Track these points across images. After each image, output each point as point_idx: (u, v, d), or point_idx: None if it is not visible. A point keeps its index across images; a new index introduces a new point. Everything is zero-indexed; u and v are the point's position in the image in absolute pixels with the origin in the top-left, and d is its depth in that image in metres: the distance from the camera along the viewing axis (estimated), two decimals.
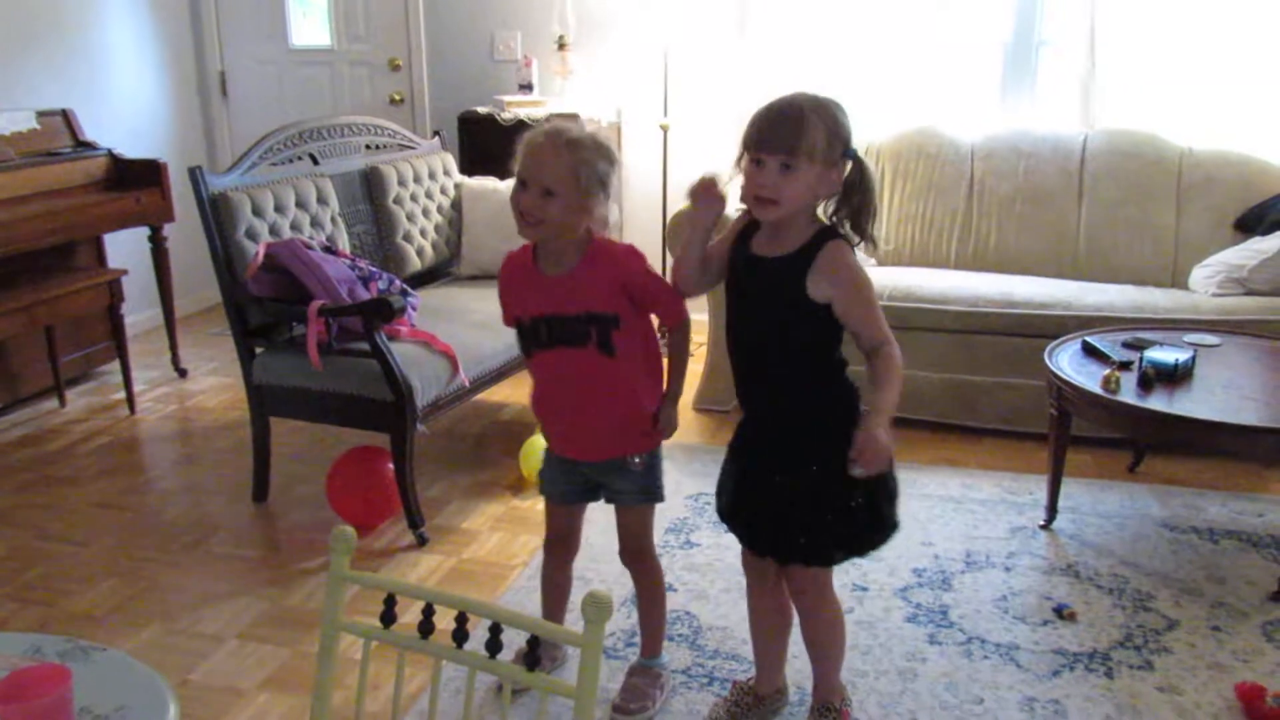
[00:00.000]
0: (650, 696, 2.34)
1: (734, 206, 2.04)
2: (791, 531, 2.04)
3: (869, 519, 2.03)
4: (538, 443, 3.33)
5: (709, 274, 2.09)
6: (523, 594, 2.83)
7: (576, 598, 2.55)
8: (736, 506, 2.14)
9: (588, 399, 2.17)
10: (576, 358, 2.12)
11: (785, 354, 2.00)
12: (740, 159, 1.93)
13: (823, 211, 1.97)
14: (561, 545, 2.41)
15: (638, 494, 2.26)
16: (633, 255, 2.12)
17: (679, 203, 4.13)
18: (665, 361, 2.25)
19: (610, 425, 2.20)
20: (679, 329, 2.21)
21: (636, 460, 2.22)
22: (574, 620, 2.55)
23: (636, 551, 2.34)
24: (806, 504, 2.01)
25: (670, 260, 4.22)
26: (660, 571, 2.40)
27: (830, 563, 2.12)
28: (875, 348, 1.92)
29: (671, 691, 2.41)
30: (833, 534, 2.03)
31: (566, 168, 2.01)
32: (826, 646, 2.22)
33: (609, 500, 2.30)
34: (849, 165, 1.92)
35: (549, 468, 2.35)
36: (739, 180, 1.95)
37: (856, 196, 1.94)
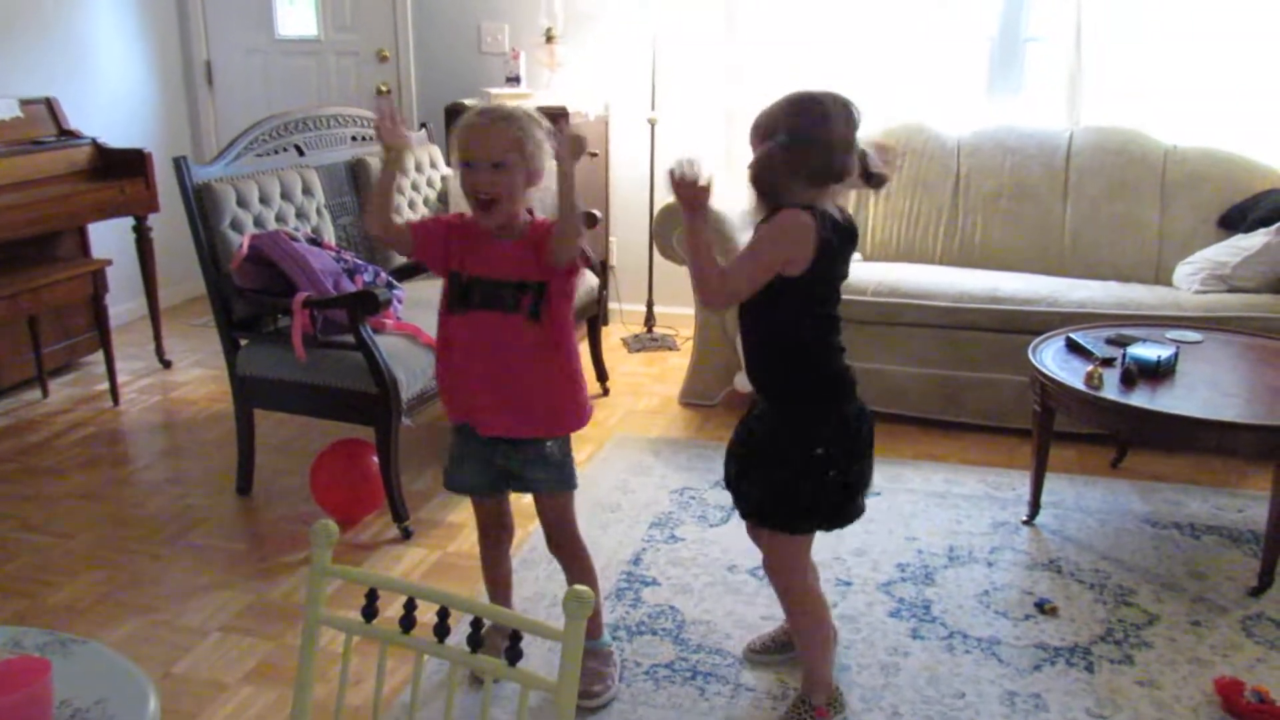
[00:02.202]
0: (608, 676, 2.39)
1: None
2: (766, 493, 2.14)
3: (840, 494, 2.12)
4: None
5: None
6: None
7: (530, 588, 2.57)
8: (733, 474, 2.24)
9: (509, 368, 2.20)
10: (503, 323, 2.16)
11: (757, 326, 2.13)
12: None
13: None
14: (496, 530, 2.43)
15: (555, 482, 2.29)
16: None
17: (666, 197, 4.12)
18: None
19: (531, 399, 2.22)
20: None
21: (552, 445, 2.26)
22: (544, 612, 2.56)
23: (564, 540, 2.37)
24: (781, 466, 2.11)
25: (656, 254, 4.23)
26: (588, 555, 2.41)
27: (795, 529, 2.17)
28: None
29: (623, 674, 2.45)
30: (803, 500, 2.12)
31: (509, 139, 2.09)
32: (804, 633, 2.28)
33: (523, 490, 2.33)
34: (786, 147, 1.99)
35: (459, 462, 2.33)
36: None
37: (800, 160, 1.99)
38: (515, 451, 2.27)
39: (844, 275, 2.12)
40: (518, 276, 2.16)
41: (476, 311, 2.19)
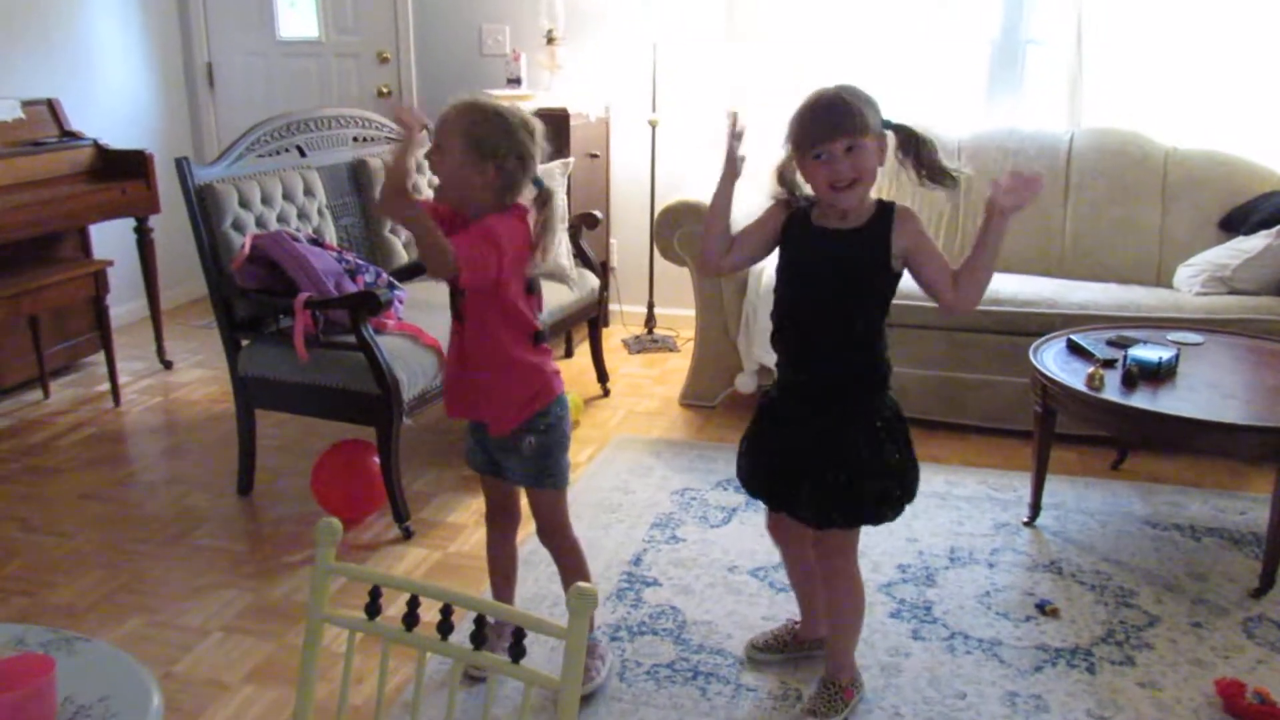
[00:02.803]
0: (593, 668, 2.41)
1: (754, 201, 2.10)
2: (834, 492, 2.13)
3: (899, 485, 2.17)
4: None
5: (740, 253, 2.21)
6: None
7: (529, 585, 2.58)
8: (773, 472, 2.22)
9: (468, 360, 2.23)
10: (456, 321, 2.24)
11: (855, 315, 2.12)
12: (789, 165, 2.09)
13: (901, 179, 2.15)
14: (502, 515, 2.46)
15: (529, 476, 2.31)
16: (483, 221, 2.15)
17: (667, 199, 4.13)
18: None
19: (488, 391, 2.24)
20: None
21: (530, 440, 2.26)
22: (547, 608, 2.57)
23: (550, 531, 2.39)
24: (853, 464, 2.12)
25: (657, 255, 4.23)
26: (579, 549, 2.43)
27: (864, 521, 2.20)
28: (954, 273, 2.10)
29: (611, 669, 2.46)
30: (871, 495, 2.15)
31: (457, 126, 2.12)
32: (846, 615, 2.31)
33: (511, 481, 2.36)
34: (889, 135, 2.06)
35: (469, 437, 2.39)
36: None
37: (913, 150, 2.08)
38: (492, 439, 2.31)
39: None
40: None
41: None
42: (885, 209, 2.09)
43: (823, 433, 2.14)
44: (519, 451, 2.28)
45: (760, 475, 2.26)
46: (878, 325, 2.15)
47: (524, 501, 2.44)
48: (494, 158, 2.12)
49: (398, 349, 3.10)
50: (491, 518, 2.47)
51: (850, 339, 2.13)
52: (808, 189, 2.11)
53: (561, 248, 3.96)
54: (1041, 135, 4.36)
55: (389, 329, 3.19)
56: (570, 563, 2.41)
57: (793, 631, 2.53)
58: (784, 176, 2.13)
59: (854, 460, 2.12)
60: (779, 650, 2.51)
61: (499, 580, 2.52)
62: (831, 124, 1.98)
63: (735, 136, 2.08)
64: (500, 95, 4.75)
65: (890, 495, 2.16)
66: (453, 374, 2.32)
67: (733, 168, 2.11)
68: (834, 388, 2.16)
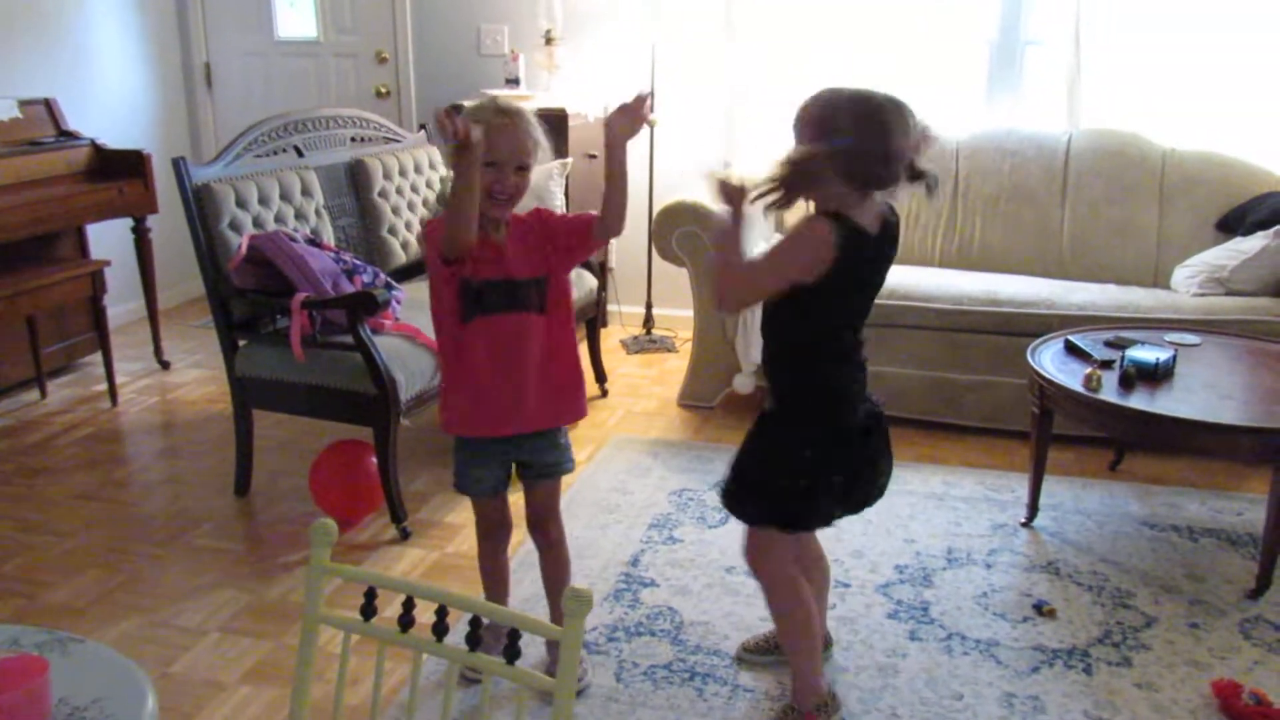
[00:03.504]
0: (581, 664, 2.41)
1: None
2: (736, 485, 2.17)
3: (804, 501, 2.12)
4: None
5: None
6: None
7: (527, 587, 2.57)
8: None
9: (531, 363, 2.23)
10: (523, 321, 2.20)
11: (771, 326, 2.13)
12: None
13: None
14: (500, 530, 2.45)
15: (564, 463, 2.35)
16: (539, 210, 2.27)
17: (665, 199, 4.13)
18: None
19: (551, 389, 2.27)
20: (603, 223, 2.21)
21: (564, 429, 2.33)
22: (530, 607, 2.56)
23: (549, 519, 2.40)
24: (756, 463, 2.15)
25: (655, 256, 4.23)
26: (566, 541, 2.46)
27: (750, 520, 2.19)
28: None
29: (591, 676, 2.47)
30: (764, 497, 2.14)
31: (532, 142, 2.15)
32: (783, 634, 2.30)
33: (534, 476, 2.35)
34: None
35: (473, 464, 2.33)
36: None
37: (848, 167, 1.94)
38: (533, 440, 2.29)
39: (872, 284, 2.09)
40: (528, 273, 2.20)
41: (494, 315, 2.19)
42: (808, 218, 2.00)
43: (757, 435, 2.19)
44: (558, 443, 2.33)
45: None
46: (801, 339, 2.09)
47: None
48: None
49: (395, 349, 3.10)
50: (490, 533, 2.44)
51: (779, 346, 2.13)
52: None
53: None
54: (1040, 136, 4.36)
55: (386, 329, 3.19)
56: (561, 550, 2.44)
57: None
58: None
59: (745, 449, 2.17)
60: (769, 652, 2.51)
61: (497, 590, 2.51)
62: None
63: (737, 196, 1.98)
64: (498, 96, 4.77)
65: (768, 491, 2.13)
66: (516, 381, 2.22)
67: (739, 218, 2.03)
68: (775, 398, 2.16)
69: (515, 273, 2.19)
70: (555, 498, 2.40)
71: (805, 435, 2.09)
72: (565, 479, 2.42)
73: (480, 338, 2.20)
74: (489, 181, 2.11)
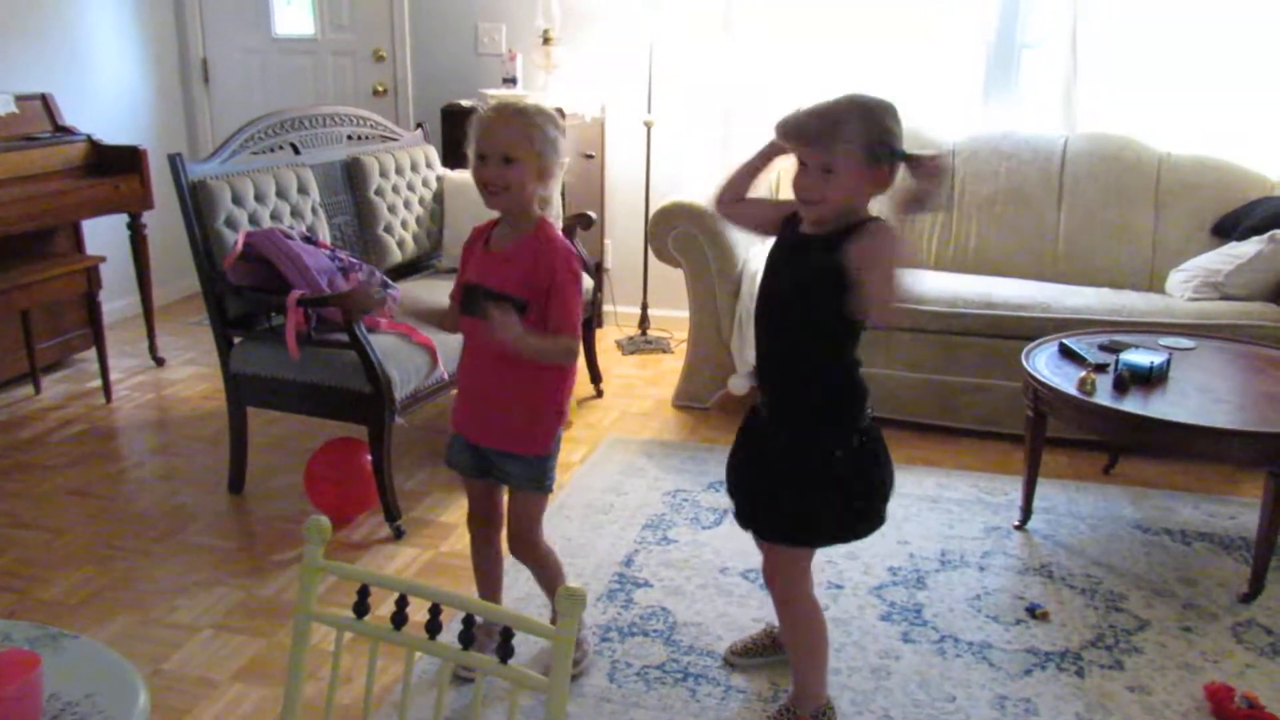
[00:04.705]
0: (581, 646, 2.47)
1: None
2: (780, 507, 2.10)
3: (863, 509, 2.09)
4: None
5: (746, 214, 2.24)
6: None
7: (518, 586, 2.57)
8: (738, 480, 2.23)
9: (492, 377, 2.23)
10: (480, 329, 2.16)
11: (801, 323, 2.04)
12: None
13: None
14: (483, 520, 2.44)
15: (526, 480, 2.30)
16: (569, 258, 2.19)
17: (662, 199, 4.13)
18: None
19: (507, 413, 2.25)
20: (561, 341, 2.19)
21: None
22: (530, 607, 2.56)
23: (522, 541, 2.37)
24: (803, 481, 2.07)
25: (651, 256, 4.23)
26: (552, 554, 2.43)
27: (811, 543, 2.17)
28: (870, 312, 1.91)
29: (593, 657, 2.50)
30: (822, 515, 2.09)
31: (520, 133, 2.13)
32: (796, 645, 2.26)
33: (498, 480, 2.35)
34: (900, 166, 1.92)
35: (456, 442, 2.37)
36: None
37: (888, 174, 1.93)
38: (497, 451, 2.30)
39: None
40: (499, 287, 2.13)
41: (471, 318, 2.19)
42: (865, 220, 1.95)
43: (772, 448, 2.11)
44: (520, 456, 2.28)
45: (730, 485, 2.29)
46: (830, 342, 2.05)
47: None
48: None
49: (390, 348, 3.10)
50: (472, 521, 2.45)
51: (797, 351, 2.07)
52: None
53: None
54: (1036, 139, 4.37)
55: (381, 328, 3.19)
56: (544, 569, 2.41)
57: (771, 635, 2.52)
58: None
59: (776, 472, 2.09)
60: (758, 655, 2.50)
61: (486, 585, 2.51)
62: (812, 136, 1.92)
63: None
64: (495, 95, 4.77)
65: (813, 517, 2.08)
66: (480, 390, 2.29)
67: (771, 155, 2.09)
68: (781, 404, 2.12)
69: (496, 284, 2.14)
70: (528, 519, 2.34)
71: (831, 438, 2.05)
72: (558, 485, 2.40)
73: (466, 337, 2.30)
74: (478, 174, 2.18)
